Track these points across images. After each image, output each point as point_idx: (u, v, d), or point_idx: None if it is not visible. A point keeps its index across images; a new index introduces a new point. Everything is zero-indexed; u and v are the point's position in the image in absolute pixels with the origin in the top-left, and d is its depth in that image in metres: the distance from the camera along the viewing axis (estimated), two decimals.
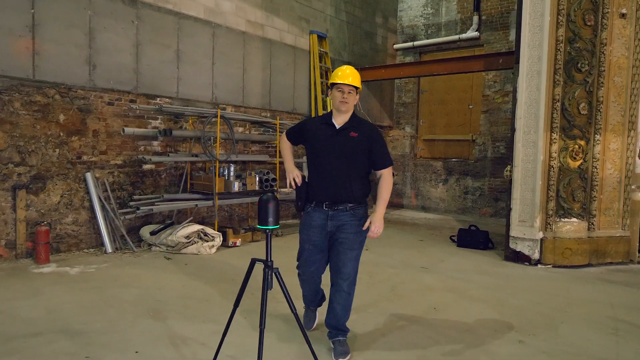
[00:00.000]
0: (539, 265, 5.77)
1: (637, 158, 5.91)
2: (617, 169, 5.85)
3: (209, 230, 6.37)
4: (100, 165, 6.07)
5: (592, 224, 5.79)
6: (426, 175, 10.99)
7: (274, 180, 7.35)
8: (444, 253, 6.49)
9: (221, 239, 6.42)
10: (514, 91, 5.96)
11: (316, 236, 3.05)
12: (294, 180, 3.00)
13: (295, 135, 3.21)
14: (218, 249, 6.31)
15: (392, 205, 11.15)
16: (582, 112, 5.69)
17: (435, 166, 10.88)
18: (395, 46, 11.38)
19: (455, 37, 10.38)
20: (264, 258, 2.53)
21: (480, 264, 5.93)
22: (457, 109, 10.70)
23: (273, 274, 2.49)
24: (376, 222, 2.93)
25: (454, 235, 7.34)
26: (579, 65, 5.63)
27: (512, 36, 9.72)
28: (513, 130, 5.92)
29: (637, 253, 5.99)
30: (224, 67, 7.56)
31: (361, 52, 10.54)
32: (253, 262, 2.56)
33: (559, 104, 5.69)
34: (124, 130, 5.98)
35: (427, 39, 10.96)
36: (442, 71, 8.25)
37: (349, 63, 10.08)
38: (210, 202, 6.61)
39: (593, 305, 4.40)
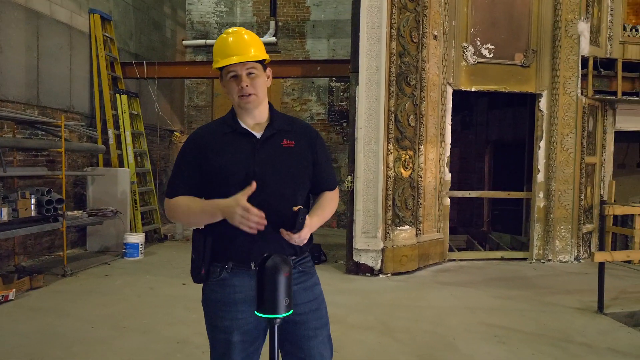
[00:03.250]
0: (381, 275, 5.80)
1: (446, 167, 6.57)
2: (434, 177, 6.37)
3: None
4: None
5: (419, 229, 6.16)
6: None
7: (60, 201, 5.42)
8: None
9: None
10: (352, 100, 5.84)
11: (248, 319, 1.71)
12: (245, 215, 1.57)
13: (192, 178, 1.76)
14: None
15: None
16: (411, 124, 5.97)
17: None
18: (185, 42, 10.21)
19: None
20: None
21: (329, 281, 5.58)
22: None
23: None
24: (306, 229, 1.66)
25: None
26: (408, 79, 5.89)
27: (309, 45, 9.89)
28: (353, 139, 5.80)
29: (447, 252, 6.67)
30: None
31: (150, 44, 9.02)
32: None
33: (393, 115, 5.83)
34: None
35: None
36: None
37: (136, 55, 8.48)
38: None
39: (458, 312, 4.54)
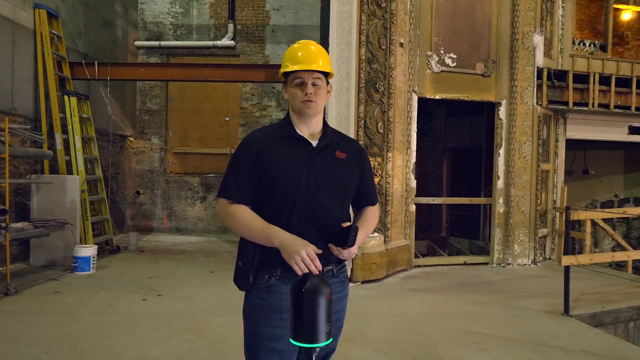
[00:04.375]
0: (350, 284, 5.69)
1: (411, 174, 6.61)
2: (400, 184, 6.38)
3: None
4: None
5: (387, 236, 6.13)
6: (180, 193, 9.78)
7: (4, 212, 4.92)
8: None
9: None
10: None
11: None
12: (307, 261, 1.60)
13: (247, 180, 1.78)
14: None
15: (139, 229, 9.44)
16: (379, 131, 5.95)
17: (191, 182, 9.79)
18: (137, 43, 9.73)
19: (210, 43, 9.64)
20: None
21: None
22: (212, 120, 9.94)
23: None
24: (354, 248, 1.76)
25: None
26: (377, 85, 5.88)
27: (268, 50, 9.73)
28: None
29: (413, 258, 6.70)
30: None
31: (99, 43, 8.51)
32: None
33: (362, 121, 5.79)
34: None
35: (176, 40, 9.81)
36: (218, 77, 7.39)
37: (85, 55, 7.97)
38: None
39: (434, 320, 4.52)
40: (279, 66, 7.07)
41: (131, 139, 9.51)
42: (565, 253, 4.97)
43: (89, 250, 6.16)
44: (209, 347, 3.74)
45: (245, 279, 1.78)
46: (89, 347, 3.69)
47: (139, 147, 9.78)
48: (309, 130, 1.84)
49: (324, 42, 5.69)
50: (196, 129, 9.93)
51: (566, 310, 4.71)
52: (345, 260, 1.84)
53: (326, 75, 1.84)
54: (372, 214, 1.98)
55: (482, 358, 3.63)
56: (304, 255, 1.58)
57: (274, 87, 9.58)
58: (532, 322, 4.49)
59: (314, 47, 1.85)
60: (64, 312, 4.57)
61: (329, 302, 1.27)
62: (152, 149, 9.83)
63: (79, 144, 6.92)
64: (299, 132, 1.83)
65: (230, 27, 9.63)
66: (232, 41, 9.63)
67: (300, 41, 1.89)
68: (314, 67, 1.77)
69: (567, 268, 4.73)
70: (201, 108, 9.93)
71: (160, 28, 9.82)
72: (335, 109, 5.61)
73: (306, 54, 1.80)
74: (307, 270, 1.56)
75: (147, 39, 9.80)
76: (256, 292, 1.80)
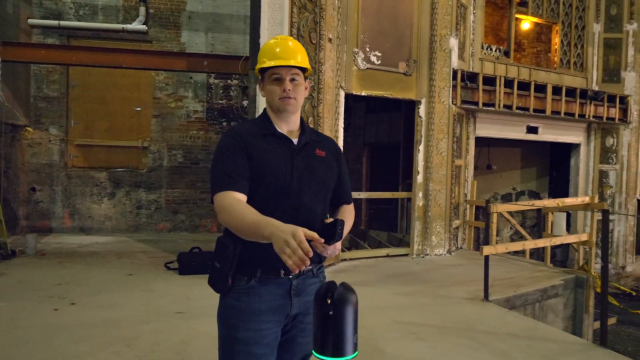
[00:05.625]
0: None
1: None
2: None
3: None
4: None
5: None
6: (85, 189, 8.94)
7: None
8: (177, 286, 5.35)
9: None
10: (252, 99, 5.56)
11: (271, 329, 1.70)
12: (293, 246, 1.38)
13: (244, 171, 1.67)
14: None
15: (35, 229, 8.47)
16: (310, 126, 5.90)
17: (97, 178, 8.98)
18: (31, 21, 8.67)
19: (119, 26, 8.89)
20: None
21: None
22: (121, 110, 9.20)
23: None
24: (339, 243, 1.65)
25: (169, 262, 6.21)
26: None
27: (185, 37, 9.22)
28: None
29: (341, 253, 6.78)
30: None
31: None
32: None
33: None
34: None
35: (79, 21, 8.90)
36: (133, 64, 6.83)
37: None
38: None
39: (370, 313, 4.59)
40: (203, 55, 6.82)
41: (29, 129, 8.49)
42: (485, 243, 5.34)
43: None
44: (142, 357, 3.45)
45: (223, 281, 1.68)
46: None
47: (34, 139, 8.74)
48: (288, 127, 1.81)
49: (255, 34, 5.51)
50: (102, 120, 9.12)
51: (486, 296, 5.07)
52: (326, 258, 1.77)
53: (304, 71, 1.81)
54: (349, 211, 1.94)
55: (422, 347, 3.77)
56: (290, 241, 1.37)
57: (191, 77, 9.11)
58: (458, 309, 4.76)
59: (292, 42, 1.81)
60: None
61: (357, 311, 1.20)
62: (50, 141, 8.85)
63: None
64: (279, 130, 1.79)
65: (142, 10, 8.96)
66: (144, 26, 8.97)
67: (277, 37, 1.86)
68: (292, 63, 1.74)
69: (486, 258, 5.09)
70: (108, 97, 9.13)
71: (60, 6, 8.84)
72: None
73: (284, 50, 1.76)
74: (296, 262, 1.36)
75: (44, 18, 8.77)
76: (234, 294, 1.71)
